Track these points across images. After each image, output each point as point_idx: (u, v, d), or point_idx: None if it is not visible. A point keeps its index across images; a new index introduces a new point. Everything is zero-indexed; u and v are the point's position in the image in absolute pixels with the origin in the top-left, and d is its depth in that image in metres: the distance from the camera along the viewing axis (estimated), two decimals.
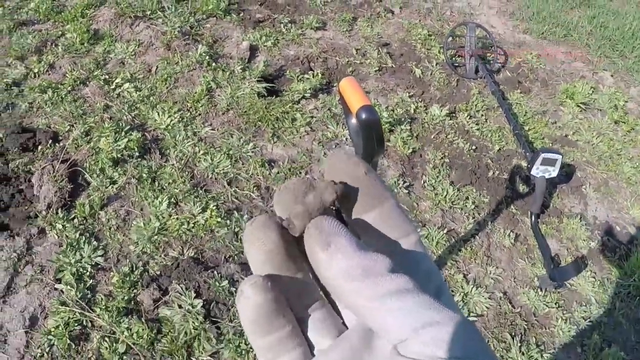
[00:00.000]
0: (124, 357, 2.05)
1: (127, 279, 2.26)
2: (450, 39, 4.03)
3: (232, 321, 2.20)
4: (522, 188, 3.13)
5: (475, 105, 3.63)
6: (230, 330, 2.16)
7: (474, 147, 3.32)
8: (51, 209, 2.45)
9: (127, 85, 3.16)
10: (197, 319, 2.15)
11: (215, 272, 2.34)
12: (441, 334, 0.29)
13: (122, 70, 3.29)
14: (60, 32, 3.51)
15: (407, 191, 2.96)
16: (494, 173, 3.17)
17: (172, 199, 2.61)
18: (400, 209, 0.36)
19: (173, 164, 2.79)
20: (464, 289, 2.57)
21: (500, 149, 3.36)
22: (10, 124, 2.83)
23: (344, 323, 0.38)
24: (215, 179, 2.78)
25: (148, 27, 3.63)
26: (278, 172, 2.87)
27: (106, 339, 2.07)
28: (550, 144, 3.50)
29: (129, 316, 2.16)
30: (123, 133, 2.83)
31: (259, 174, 2.84)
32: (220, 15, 3.90)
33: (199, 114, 3.12)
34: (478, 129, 3.46)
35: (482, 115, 3.59)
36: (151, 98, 3.15)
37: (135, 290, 2.25)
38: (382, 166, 3.05)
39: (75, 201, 2.54)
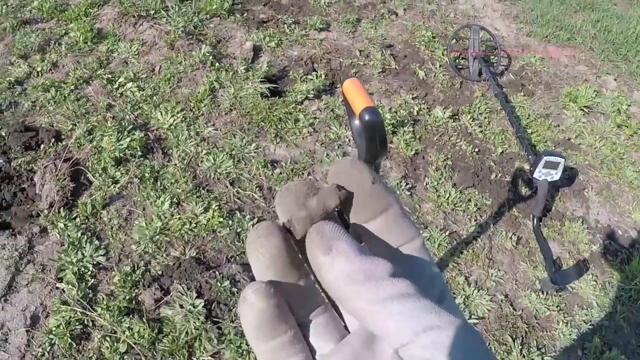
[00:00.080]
0: (125, 356, 2.05)
1: (129, 278, 2.26)
2: (454, 41, 4.03)
3: (234, 322, 2.20)
4: (524, 191, 3.13)
5: (478, 107, 3.63)
6: (232, 331, 2.16)
7: (476, 150, 3.32)
8: (53, 208, 2.45)
9: (130, 84, 3.17)
10: (199, 319, 2.15)
11: (217, 272, 2.34)
12: (442, 338, 0.29)
13: (125, 69, 3.30)
14: (63, 31, 3.52)
15: (409, 193, 2.96)
16: (496, 176, 3.17)
17: (174, 199, 2.61)
18: (405, 214, 0.36)
19: (175, 164, 2.79)
20: (465, 291, 2.57)
21: (503, 151, 3.36)
22: (13, 122, 2.83)
23: (346, 327, 0.38)
24: (218, 179, 2.78)
25: (152, 26, 3.64)
26: (280, 173, 2.87)
27: (107, 338, 2.07)
28: (553, 147, 3.49)
29: (130, 316, 2.16)
30: (126, 132, 2.83)
31: (262, 174, 2.84)
32: (224, 15, 3.91)
33: (202, 114, 3.12)
34: (481, 132, 3.46)
35: (485, 117, 3.59)
36: (154, 98, 3.15)
37: (136, 290, 2.25)
38: (384, 168, 3.04)
39: (77, 200, 2.54)
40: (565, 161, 2.80)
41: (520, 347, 2.43)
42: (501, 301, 2.60)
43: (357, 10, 4.38)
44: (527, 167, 3.18)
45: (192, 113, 3.11)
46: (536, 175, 2.82)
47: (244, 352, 2.12)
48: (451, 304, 0.36)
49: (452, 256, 2.73)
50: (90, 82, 3.17)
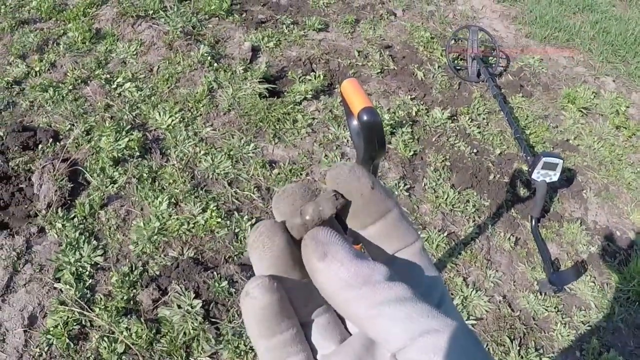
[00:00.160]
0: (123, 357, 2.05)
1: (127, 278, 2.26)
2: (453, 42, 4.03)
3: (231, 322, 2.20)
4: (522, 192, 3.13)
5: (477, 108, 3.63)
6: (230, 331, 2.16)
7: (475, 151, 3.32)
8: (51, 208, 2.45)
9: (128, 84, 3.16)
10: (196, 319, 2.15)
11: (214, 272, 2.34)
12: (439, 341, 0.29)
13: (123, 69, 3.29)
14: (62, 31, 3.51)
15: (407, 193, 2.96)
16: (494, 176, 3.17)
17: (173, 199, 2.61)
18: (404, 217, 0.36)
19: (174, 164, 2.79)
20: (463, 292, 2.57)
21: (501, 152, 3.36)
22: (11, 122, 2.83)
23: (347, 329, 0.37)
24: (216, 179, 2.78)
25: (150, 26, 3.63)
26: (279, 173, 2.87)
27: (105, 338, 2.07)
28: (552, 148, 3.49)
29: (128, 316, 2.16)
30: (124, 132, 2.83)
31: (260, 174, 2.84)
32: (222, 15, 3.90)
33: (200, 114, 3.12)
34: (479, 132, 3.46)
35: (483, 118, 3.59)
36: (152, 98, 3.15)
37: (134, 290, 2.25)
38: (383, 168, 3.04)
39: (75, 200, 2.54)
40: (563, 162, 2.81)
41: (518, 348, 2.43)
42: (499, 302, 2.60)
43: (355, 10, 4.38)
44: (525, 168, 3.18)
45: (190, 113, 3.10)
46: (534, 176, 2.82)
47: (242, 353, 2.12)
48: (450, 307, 0.36)
49: (451, 257, 2.73)
50: (89, 82, 3.17)
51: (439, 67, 3.91)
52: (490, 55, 4.09)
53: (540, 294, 2.66)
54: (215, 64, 3.43)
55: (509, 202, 3.06)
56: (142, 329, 2.10)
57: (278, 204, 0.37)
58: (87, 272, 2.28)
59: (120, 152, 2.73)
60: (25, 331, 2.06)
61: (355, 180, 0.35)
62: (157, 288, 2.25)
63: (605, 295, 2.75)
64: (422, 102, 3.60)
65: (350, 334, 0.37)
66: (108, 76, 3.21)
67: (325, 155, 3.02)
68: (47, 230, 2.40)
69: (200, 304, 2.19)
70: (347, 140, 3.12)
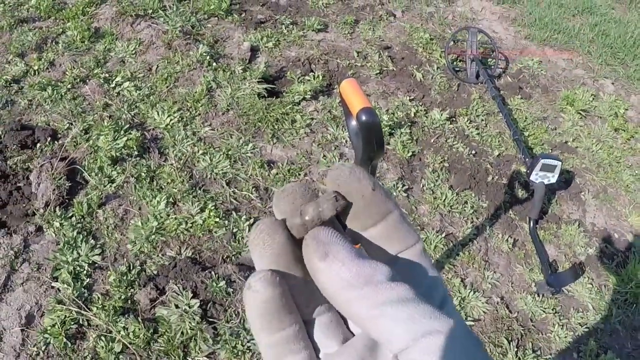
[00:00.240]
0: (120, 356, 2.05)
1: (124, 278, 2.25)
2: (452, 43, 4.03)
3: (229, 322, 2.20)
4: (521, 193, 3.13)
5: (476, 110, 3.63)
6: (227, 331, 2.16)
7: (473, 152, 3.32)
8: (49, 207, 2.45)
9: (127, 84, 3.16)
10: (194, 319, 2.15)
11: (212, 272, 2.33)
12: (441, 342, 0.29)
13: (122, 68, 3.29)
14: (60, 30, 3.51)
15: (405, 194, 2.96)
16: (493, 178, 3.17)
17: (171, 199, 2.61)
18: (405, 219, 0.36)
19: (172, 164, 2.78)
20: (461, 293, 2.57)
21: (499, 154, 3.36)
22: (9, 121, 2.83)
23: (349, 328, 0.37)
24: (214, 179, 2.78)
25: (149, 26, 3.63)
26: (277, 174, 2.86)
27: (102, 338, 2.07)
28: (550, 150, 3.50)
29: (126, 315, 2.16)
30: (122, 132, 2.82)
31: (258, 174, 2.84)
32: (221, 15, 3.90)
33: (199, 114, 3.11)
34: (478, 134, 3.46)
35: (482, 120, 3.59)
36: (151, 97, 3.15)
37: (132, 290, 2.24)
38: (381, 169, 3.04)
39: (73, 199, 2.54)
40: (562, 164, 2.81)
41: (515, 349, 2.43)
42: (497, 303, 2.60)
43: (355, 11, 4.38)
44: (523, 169, 3.18)
45: (189, 113, 3.10)
46: (533, 177, 2.82)
47: (239, 353, 2.12)
48: (452, 308, 0.36)
49: (449, 258, 2.73)
50: (87, 81, 3.17)
51: (438, 68, 3.91)
52: (489, 57, 4.10)
53: (538, 296, 2.67)
54: (214, 64, 3.43)
55: (507, 204, 3.06)
56: (139, 329, 2.10)
57: (278, 202, 0.37)
58: (85, 271, 2.27)
59: (119, 152, 2.73)
60: (22, 330, 2.06)
61: (355, 182, 0.35)
62: (155, 287, 2.25)
63: (603, 297, 2.75)
64: (420, 103, 3.60)
65: (352, 334, 0.37)
66: (107, 75, 3.21)
67: (324, 156, 3.02)
68: (44, 229, 2.39)
69: (198, 304, 2.19)
70: (346, 141, 3.12)
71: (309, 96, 3.35)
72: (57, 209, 2.45)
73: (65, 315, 2.09)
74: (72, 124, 2.87)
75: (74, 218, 2.46)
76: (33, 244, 2.34)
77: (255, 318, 0.34)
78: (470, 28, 4.03)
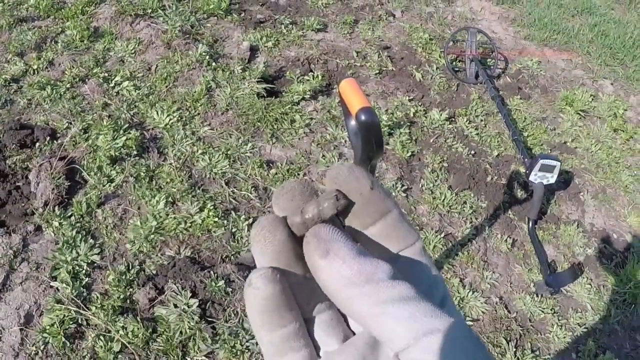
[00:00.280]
0: (119, 356, 2.04)
1: (123, 277, 2.25)
2: (451, 43, 4.03)
3: (228, 321, 2.20)
4: (520, 194, 3.13)
5: (475, 110, 3.63)
6: (226, 331, 2.16)
7: (472, 152, 3.32)
8: (48, 207, 2.44)
9: (126, 83, 3.16)
10: (193, 318, 2.15)
11: (211, 272, 2.33)
12: (442, 341, 0.29)
13: (121, 68, 3.29)
14: (60, 29, 3.50)
15: (405, 194, 2.96)
16: (492, 178, 3.18)
17: (170, 198, 2.61)
18: (404, 218, 0.36)
19: (171, 163, 2.78)
20: (460, 294, 2.57)
21: (499, 154, 3.36)
22: (9, 120, 2.82)
23: (349, 327, 0.37)
24: (213, 178, 2.78)
25: (148, 25, 3.63)
26: (276, 173, 2.86)
27: (101, 337, 2.07)
28: (549, 151, 3.50)
29: (125, 315, 2.15)
30: (121, 131, 2.82)
31: (257, 174, 2.84)
32: (221, 15, 3.90)
33: (198, 114, 3.11)
34: (477, 134, 3.46)
35: (481, 120, 3.59)
36: (150, 97, 3.14)
37: (131, 289, 2.24)
38: (380, 169, 3.05)
39: (72, 199, 2.53)
40: (561, 164, 2.81)
41: (514, 349, 2.44)
42: (496, 303, 2.60)
43: (354, 11, 4.38)
44: (522, 170, 3.18)
45: (188, 112, 3.10)
46: (532, 178, 2.82)
47: (238, 352, 2.12)
48: (452, 307, 0.36)
49: (447, 258, 2.73)
50: (87, 80, 3.16)
51: (437, 68, 3.91)
52: (488, 57, 4.10)
53: (537, 296, 2.67)
54: (214, 64, 3.43)
55: (506, 204, 3.06)
56: (138, 328, 2.10)
57: (278, 199, 0.37)
58: (84, 271, 2.27)
59: (118, 151, 2.73)
60: (21, 329, 2.06)
61: (354, 181, 0.35)
62: (154, 287, 2.25)
63: (601, 297, 2.75)
64: (420, 103, 3.60)
65: (353, 332, 0.37)
66: (106, 75, 3.21)
67: (323, 156, 3.02)
68: (43, 229, 2.39)
69: (197, 304, 2.19)
70: (345, 141, 3.12)
71: (308, 96, 3.35)
72: (56, 208, 2.45)
73: (64, 315, 2.09)
74: (71, 123, 2.87)
75: (73, 217, 2.46)
76: (32, 244, 2.34)
77: (255, 315, 0.34)
78: (470, 28, 4.04)
